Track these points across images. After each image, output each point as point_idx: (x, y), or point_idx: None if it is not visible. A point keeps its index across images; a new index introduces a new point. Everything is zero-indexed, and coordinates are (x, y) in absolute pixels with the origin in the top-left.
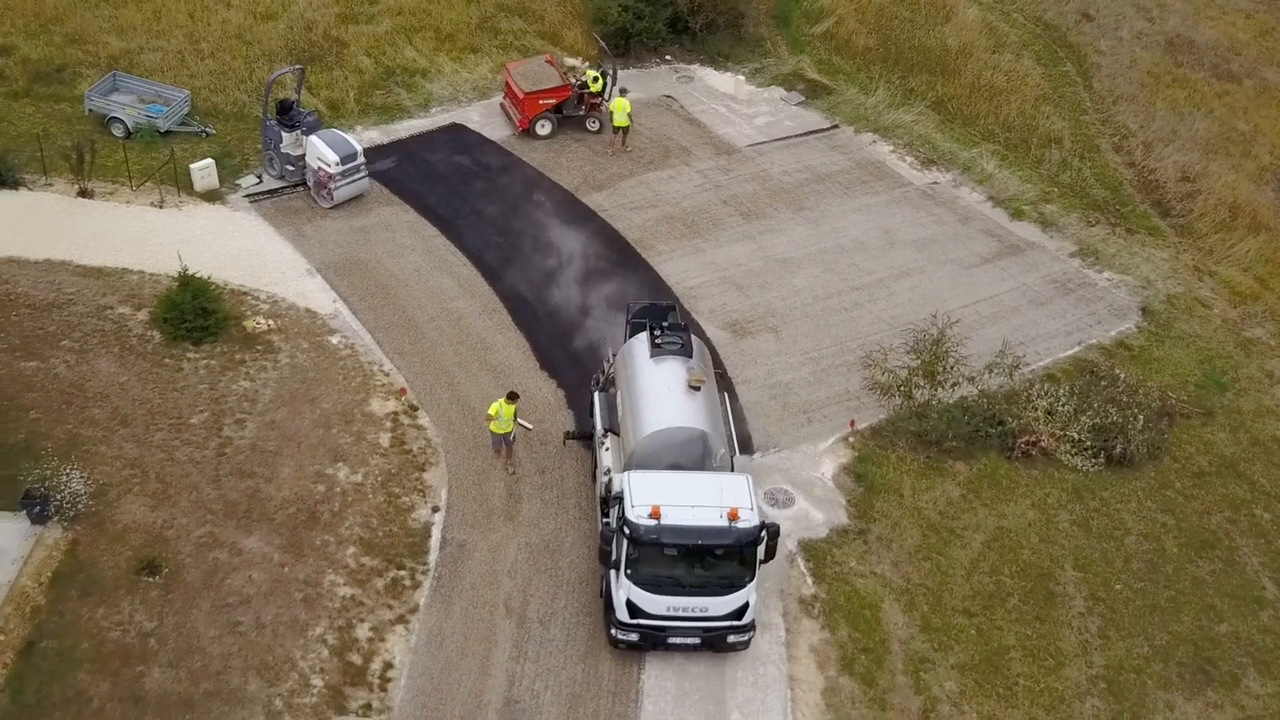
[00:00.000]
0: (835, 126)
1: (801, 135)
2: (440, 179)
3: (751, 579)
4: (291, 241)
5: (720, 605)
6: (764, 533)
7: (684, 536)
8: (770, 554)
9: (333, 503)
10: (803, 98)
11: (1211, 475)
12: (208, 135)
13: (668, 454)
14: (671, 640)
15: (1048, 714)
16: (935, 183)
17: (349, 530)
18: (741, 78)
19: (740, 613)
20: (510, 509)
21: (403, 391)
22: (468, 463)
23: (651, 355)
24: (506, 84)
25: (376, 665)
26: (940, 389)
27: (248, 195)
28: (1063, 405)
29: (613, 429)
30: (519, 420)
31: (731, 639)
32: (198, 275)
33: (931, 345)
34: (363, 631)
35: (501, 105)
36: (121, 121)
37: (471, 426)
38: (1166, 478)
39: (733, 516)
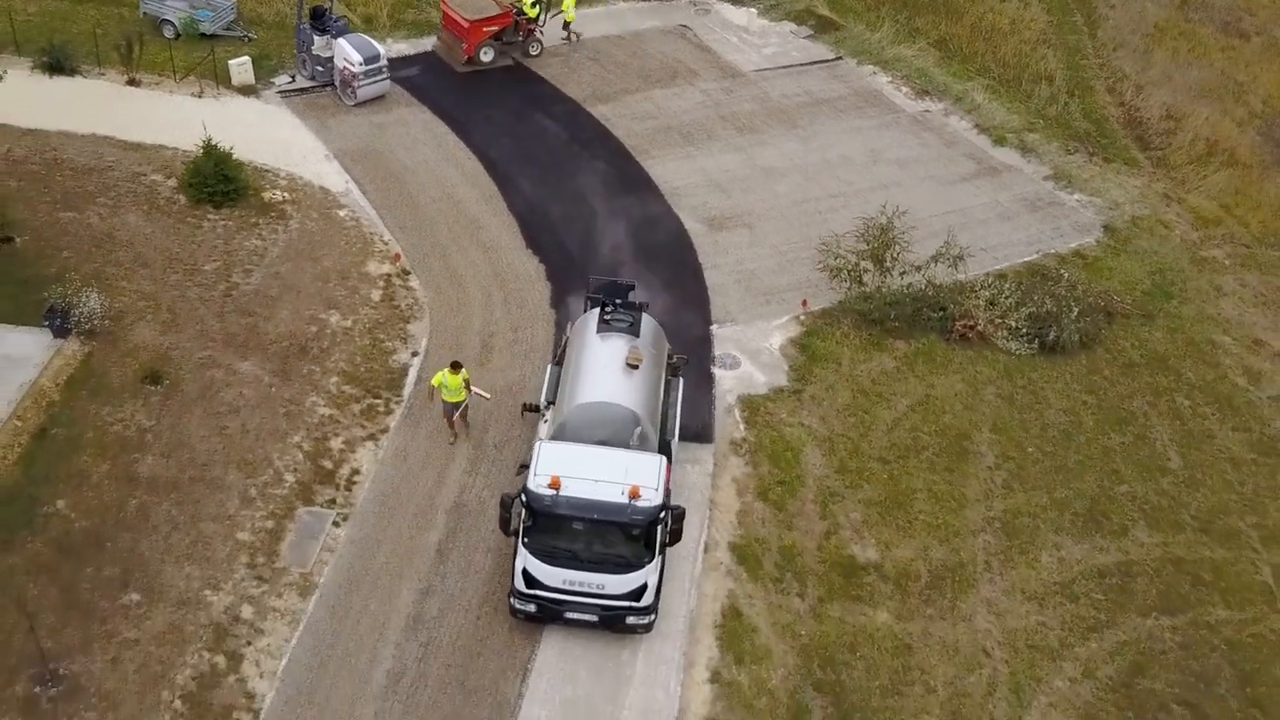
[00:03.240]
0: (839, 58)
1: (805, 64)
2: (458, 87)
3: (651, 560)
4: (315, 132)
5: (617, 584)
6: (665, 514)
7: (579, 509)
8: (675, 537)
9: (322, 341)
10: (811, 32)
11: (1140, 366)
12: (249, 40)
13: (598, 430)
14: (569, 615)
15: (941, 545)
16: (927, 111)
17: (334, 364)
18: (755, 11)
19: (638, 594)
20: (483, 357)
21: (397, 257)
22: (449, 320)
23: (598, 331)
24: (444, 16)
25: (345, 471)
26: (888, 275)
27: (280, 91)
28: (1005, 298)
29: (554, 401)
30: (474, 389)
31: (630, 620)
32: (219, 145)
33: (879, 233)
34: (336, 444)
35: (439, 38)
36: (172, 24)
37: (457, 291)
38: (1096, 365)
39: (633, 494)
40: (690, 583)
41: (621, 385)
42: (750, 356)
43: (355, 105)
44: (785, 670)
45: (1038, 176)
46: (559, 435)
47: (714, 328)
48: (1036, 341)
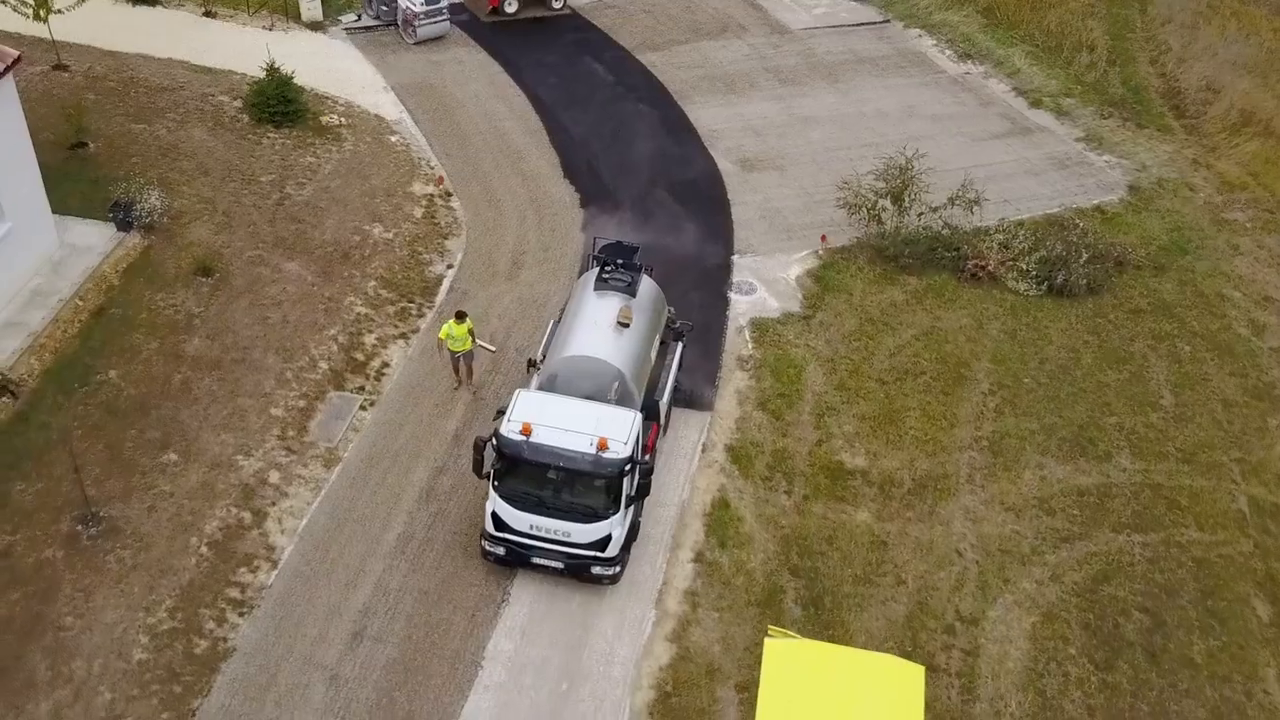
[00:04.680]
0: (887, 21)
1: (853, 25)
2: (514, 32)
3: (616, 512)
4: (375, 66)
5: (581, 533)
6: (630, 467)
7: (546, 456)
8: (643, 491)
9: (364, 249)
10: None
11: (1146, 313)
12: None
13: (582, 383)
14: (535, 560)
15: (928, 459)
16: (967, 73)
17: (373, 270)
18: None
19: (603, 544)
20: (512, 272)
21: (440, 180)
22: (484, 238)
23: (595, 289)
24: None
25: (375, 363)
26: (905, 215)
27: (346, 29)
28: (1019, 242)
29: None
30: (479, 342)
31: (596, 570)
32: (282, 69)
33: (898, 172)
34: (369, 339)
35: None
36: None
37: (494, 213)
38: (1102, 309)
39: (601, 446)
40: (685, 477)
41: (610, 342)
42: (766, 285)
43: (415, 44)
44: (765, 555)
45: (1069, 138)
46: (546, 386)
47: (735, 257)
48: (1045, 284)
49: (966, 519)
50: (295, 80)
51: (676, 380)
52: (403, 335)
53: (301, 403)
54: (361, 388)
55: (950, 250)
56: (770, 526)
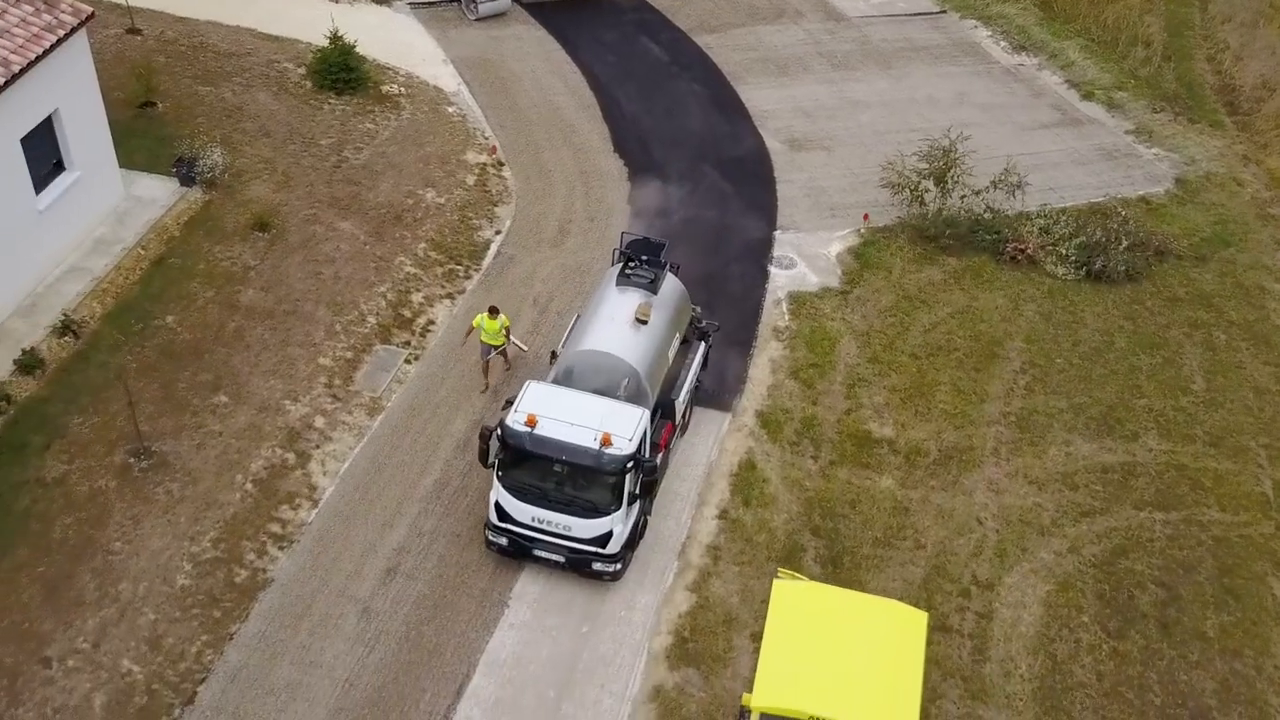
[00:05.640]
0: (943, 11)
1: (910, 15)
2: (572, 11)
3: (618, 508)
4: (437, 40)
5: (582, 528)
6: (634, 465)
7: (548, 449)
8: (648, 490)
9: (416, 212)
10: None
11: (1184, 302)
12: None
13: (594, 378)
14: (537, 553)
15: (955, 431)
16: (1021, 64)
17: (424, 232)
18: None
19: (604, 540)
20: (558, 240)
21: (494, 149)
22: (533, 207)
23: (617, 284)
24: None
25: (421, 320)
26: (948, 196)
27: (410, 3)
28: (1060, 227)
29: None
30: (512, 339)
31: (596, 566)
32: (345, 38)
33: (942, 154)
34: (416, 297)
35: None
36: None
37: (544, 183)
38: (1140, 296)
39: (604, 441)
40: (715, 440)
41: (626, 338)
42: (807, 260)
43: (477, 20)
44: (788, 515)
45: (1119, 130)
46: (561, 379)
47: (777, 232)
48: (1084, 269)
49: (989, 490)
50: (358, 50)
51: (698, 380)
52: (449, 295)
53: (349, 354)
54: (407, 342)
55: (991, 233)
56: (795, 488)
